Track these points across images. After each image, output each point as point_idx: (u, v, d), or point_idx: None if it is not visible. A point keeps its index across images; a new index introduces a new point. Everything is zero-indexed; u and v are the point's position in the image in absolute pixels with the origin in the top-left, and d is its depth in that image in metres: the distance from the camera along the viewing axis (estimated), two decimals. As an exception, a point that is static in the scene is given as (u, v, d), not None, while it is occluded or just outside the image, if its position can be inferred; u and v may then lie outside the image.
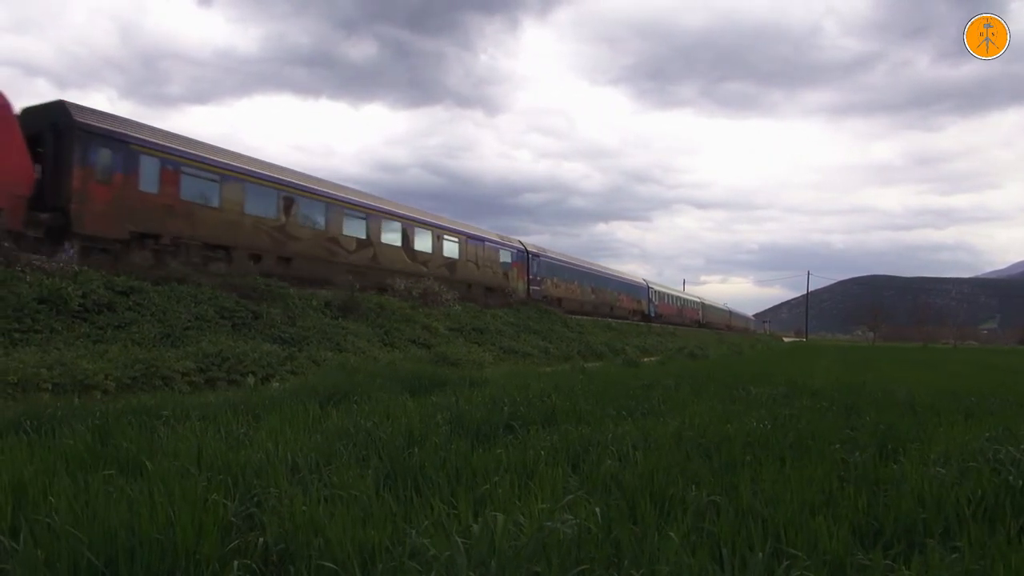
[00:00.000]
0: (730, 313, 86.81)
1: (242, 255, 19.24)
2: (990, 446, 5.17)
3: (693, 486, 3.97)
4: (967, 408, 8.16)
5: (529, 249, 35.84)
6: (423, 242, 27.12)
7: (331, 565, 2.81)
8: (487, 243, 31.74)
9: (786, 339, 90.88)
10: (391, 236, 25.52)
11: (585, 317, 35.94)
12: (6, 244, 12.83)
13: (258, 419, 6.24)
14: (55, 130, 15.44)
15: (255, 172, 20.42)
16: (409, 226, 26.47)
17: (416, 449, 4.75)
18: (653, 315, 52.05)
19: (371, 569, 2.83)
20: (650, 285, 54.19)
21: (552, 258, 38.30)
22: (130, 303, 12.79)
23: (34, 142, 14.98)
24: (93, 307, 12.01)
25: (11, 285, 11.32)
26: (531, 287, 34.93)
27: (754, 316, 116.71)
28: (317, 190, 22.60)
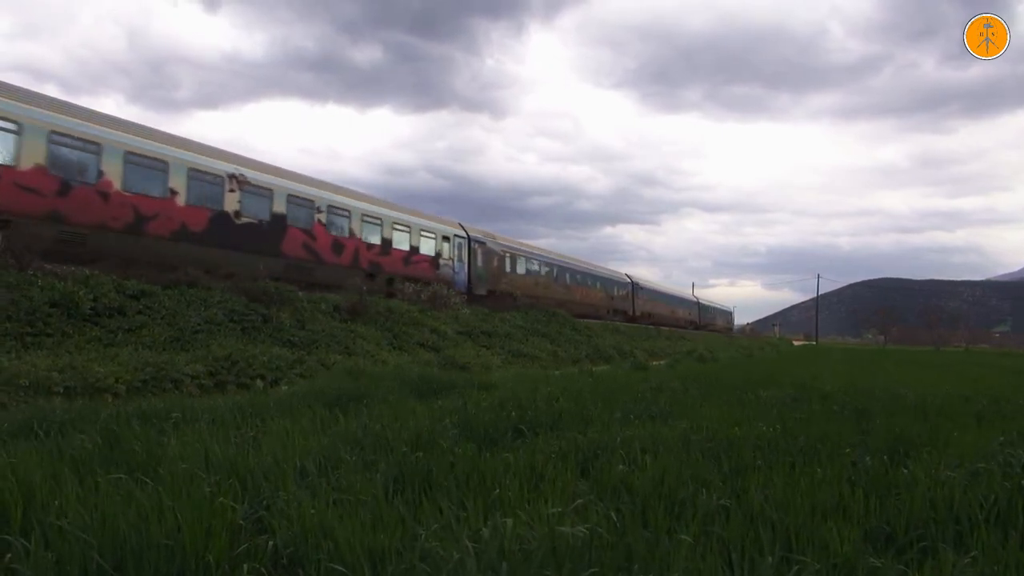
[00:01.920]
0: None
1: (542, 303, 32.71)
2: (1003, 450, 5.14)
3: (703, 490, 3.95)
4: (979, 412, 8.11)
5: (634, 280, 51.94)
6: (584, 281, 43.00)
7: (341, 568, 2.81)
8: (614, 279, 48.33)
9: (796, 342, 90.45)
10: (583, 281, 42.89)
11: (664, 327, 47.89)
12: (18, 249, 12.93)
13: (266, 422, 6.26)
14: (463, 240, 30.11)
15: (531, 252, 36.97)
16: (582, 275, 42.91)
17: (424, 453, 4.75)
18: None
19: (381, 572, 2.83)
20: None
21: (645, 286, 54.50)
22: (140, 307, 12.86)
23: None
24: (104, 311, 12.08)
25: (24, 289, 11.41)
26: (636, 306, 50.47)
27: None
28: (543, 256, 38.31)
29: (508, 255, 34.19)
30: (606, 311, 44.04)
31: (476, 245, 30.69)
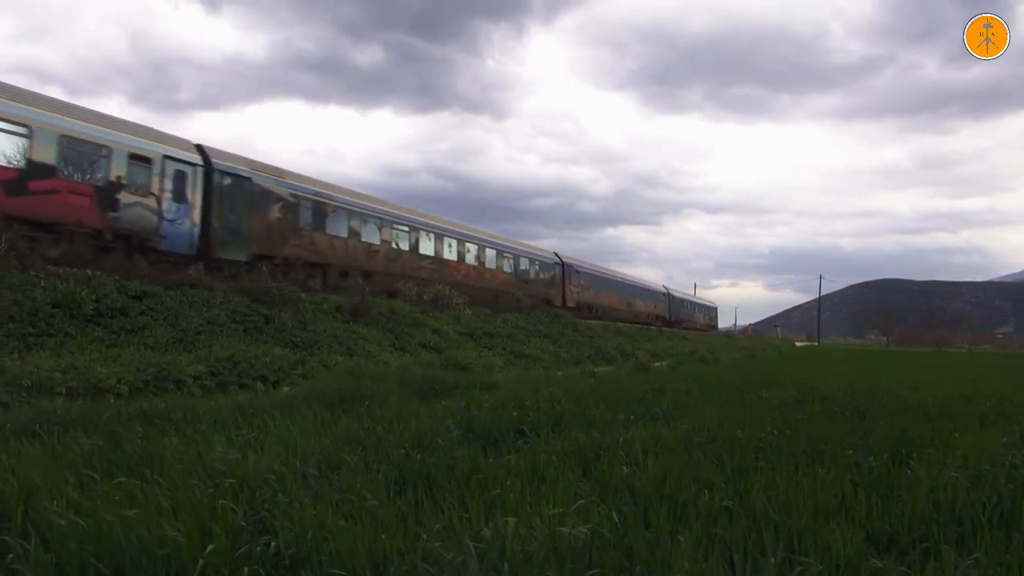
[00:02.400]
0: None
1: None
2: (1007, 451, 5.12)
3: (705, 491, 3.95)
4: (982, 413, 8.08)
5: (565, 260, 40.38)
6: (475, 257, 31.72)
7: (341, 571, 2.81)
8: (529, 256, 36.92)
9: (798, 343, 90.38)
10: (473, 256, 31.42)
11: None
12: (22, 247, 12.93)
13: (268, 423, 6.26)
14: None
15: (364, 205, 25.14)
16: (473, 247, 31.35)
17: (426, 454, 4.75)
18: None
19: (382, 573, 2.82)
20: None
21: (584, 269, 43.05)
22: (143, 307, 12.88)
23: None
24: (107, 311, 12.09)
25: (26, 290, 11.42)
26: (568, 294, 39.47)
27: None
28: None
29: (308, 203, 22.08)
30: (514, 299, 31.37)
31: (224, 179, 19.42)
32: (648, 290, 55.62)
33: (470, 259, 30.69)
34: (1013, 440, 5.77)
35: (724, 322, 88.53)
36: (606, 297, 44.88)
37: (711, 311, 78.26)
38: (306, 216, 22.06)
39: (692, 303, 69.52)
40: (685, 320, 63.09)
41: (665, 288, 60.72)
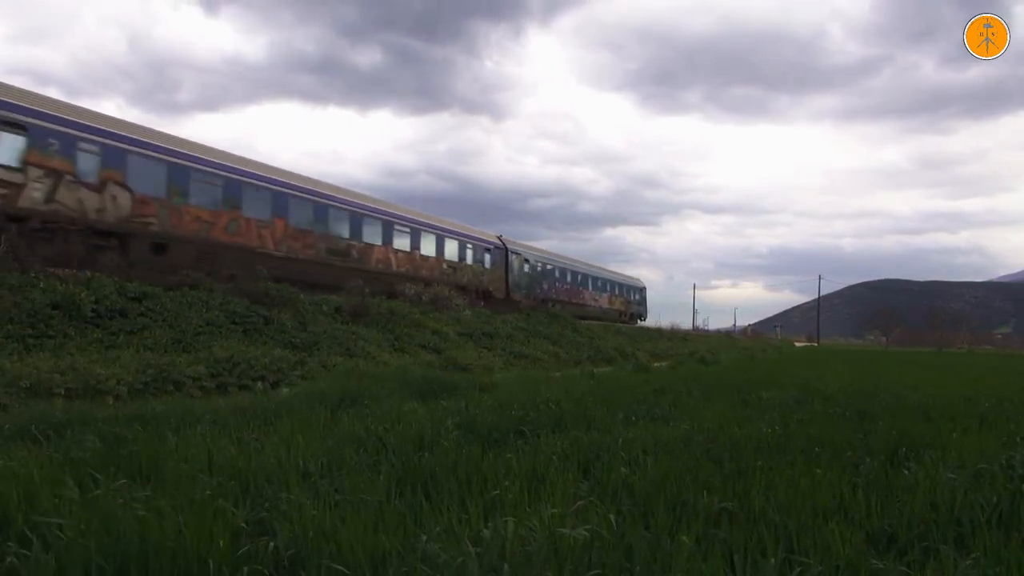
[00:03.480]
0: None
1: None
2: (1005, 452, 5.12)
3: (705, 492, 3.94)
4: (982, 413, 8.08)
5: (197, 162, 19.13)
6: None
7: (342, 569, 2.81)
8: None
9: (797, 344, 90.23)
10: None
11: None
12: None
13: (269, 424, 6.26)
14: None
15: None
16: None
17: (426, 454, 4.75)
18: None
19: (382, 574, 2.82)
20: None
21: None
22: (142, 309, 12.87)
23: None
24: (106, 313, 12.09)
25: (25, 291, 11.42)
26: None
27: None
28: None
29: None
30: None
31: None
32: (432, 231, 28.96)
33: None
34: (1013, 440, 5.77)
35: (721, 322, 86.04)
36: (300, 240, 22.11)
37: (631, 291, 50.50)
38: None
39: (578, 274, 41.75)
40: (558, 299, 37.40)
41: (500, 240, 34.32)
